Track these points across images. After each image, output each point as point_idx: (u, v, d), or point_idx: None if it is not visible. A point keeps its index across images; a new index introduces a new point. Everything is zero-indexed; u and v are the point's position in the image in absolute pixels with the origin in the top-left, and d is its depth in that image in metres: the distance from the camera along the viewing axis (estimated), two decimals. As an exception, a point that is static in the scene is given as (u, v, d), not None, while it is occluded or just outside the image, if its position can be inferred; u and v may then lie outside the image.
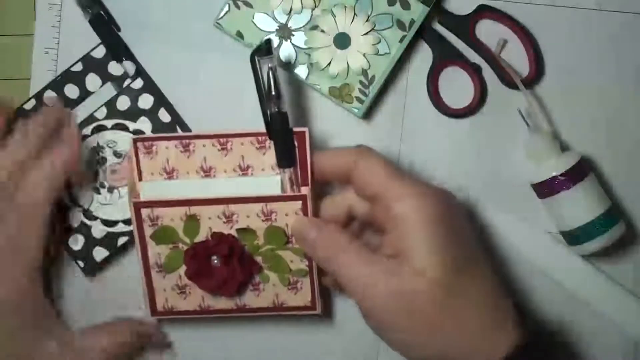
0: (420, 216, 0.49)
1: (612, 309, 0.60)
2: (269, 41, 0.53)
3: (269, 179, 0.55)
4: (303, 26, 0.58)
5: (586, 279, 0.60)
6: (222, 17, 0.58)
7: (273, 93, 0.52)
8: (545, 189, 0.57)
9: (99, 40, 0.59)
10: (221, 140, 0.55)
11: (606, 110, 0.60)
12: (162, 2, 0.60)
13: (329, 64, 0.58)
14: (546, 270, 0.60)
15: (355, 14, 0.57)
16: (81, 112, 0.59)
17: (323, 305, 0.58)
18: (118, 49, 0.59)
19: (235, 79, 0.58)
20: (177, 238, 0.56)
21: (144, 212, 0.55)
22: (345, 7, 0.57)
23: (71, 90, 0.59)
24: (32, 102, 0.59)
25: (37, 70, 0.60)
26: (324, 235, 0.52)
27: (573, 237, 0.57)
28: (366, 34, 0.57)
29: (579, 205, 0.56)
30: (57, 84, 0.59)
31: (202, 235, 0.56)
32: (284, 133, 0.53)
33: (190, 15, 0.59)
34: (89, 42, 0.59)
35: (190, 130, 0.59)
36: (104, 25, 0.59)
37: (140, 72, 0.59)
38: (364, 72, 0.57)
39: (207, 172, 0.56)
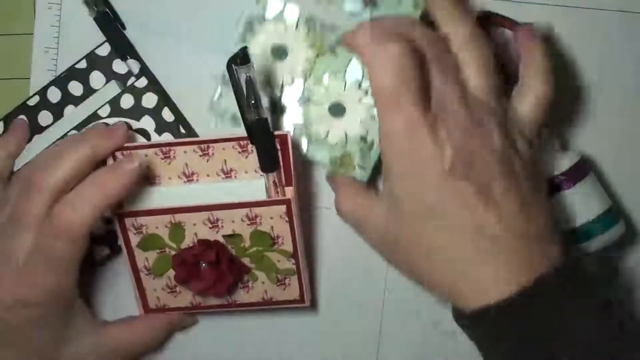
0: None
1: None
2: (244, 49, 0.51)
3: (253, 182, 0.55)
4: (297, 100, 0.57)
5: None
6: (216, 100, 0.58)
7: (252, 102, 0.51)
8: (545, 188, 0.57)
9: (100, 40, 0.59)
10: (202, 146, 0.55)
11: (606, 110, 0.60)
12: (162, 1, 0.60)
13: (327, 134, 0.57)
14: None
15: (345, 81, 0.56)
16: (84, 110, 0.59)
17: (311, 297, 0.59)
18: (123, 47, 0.59)
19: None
20: (164, 244, 0.56)
21: (128, 221, 0.55)
22: (335, 74, 0.56)
23: (75, 88, 0.59)
24: (36, 98, 0.59)
25: (36, 69, 0.60)
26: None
27: (573, 237, 0.57)
28: (359, 100, 0.56)
29: (579, 205, 0.56)
30: (61, 81, 0.59)
31: (188, 240, 0.56)
32: (265, 138, 0.53)
33: (191, 15, 0.59)
34: (89, 41, 0.59)
35: (193, 130, 0.59)
36: (110, 23, 0.59)
37: (144, 70, 0.59)
38: (363, 139, 0.56)
39: (189, 177, 0.56)
